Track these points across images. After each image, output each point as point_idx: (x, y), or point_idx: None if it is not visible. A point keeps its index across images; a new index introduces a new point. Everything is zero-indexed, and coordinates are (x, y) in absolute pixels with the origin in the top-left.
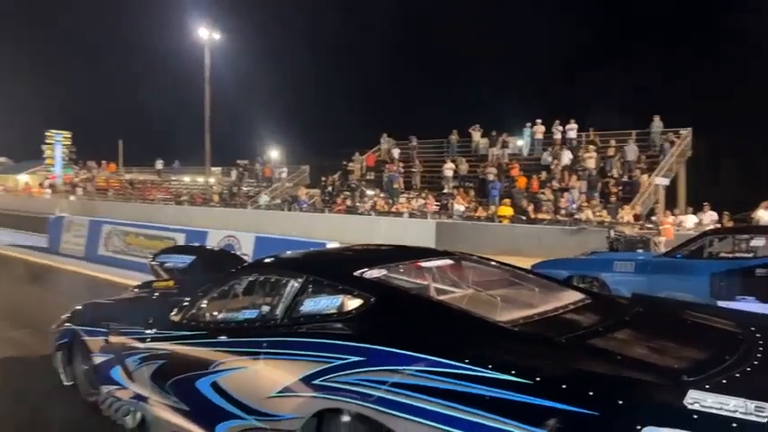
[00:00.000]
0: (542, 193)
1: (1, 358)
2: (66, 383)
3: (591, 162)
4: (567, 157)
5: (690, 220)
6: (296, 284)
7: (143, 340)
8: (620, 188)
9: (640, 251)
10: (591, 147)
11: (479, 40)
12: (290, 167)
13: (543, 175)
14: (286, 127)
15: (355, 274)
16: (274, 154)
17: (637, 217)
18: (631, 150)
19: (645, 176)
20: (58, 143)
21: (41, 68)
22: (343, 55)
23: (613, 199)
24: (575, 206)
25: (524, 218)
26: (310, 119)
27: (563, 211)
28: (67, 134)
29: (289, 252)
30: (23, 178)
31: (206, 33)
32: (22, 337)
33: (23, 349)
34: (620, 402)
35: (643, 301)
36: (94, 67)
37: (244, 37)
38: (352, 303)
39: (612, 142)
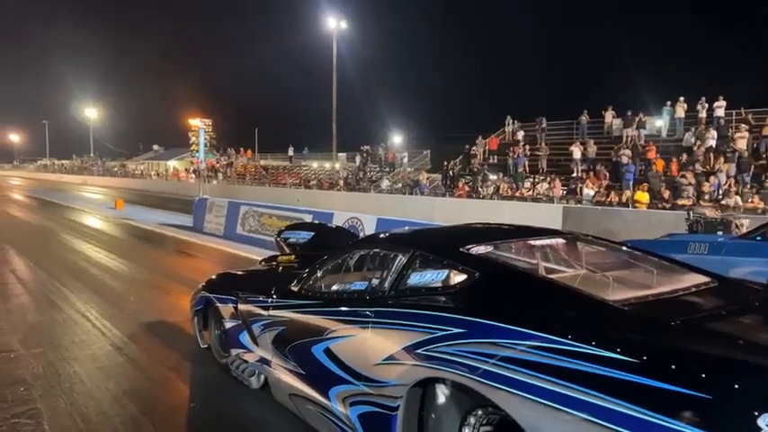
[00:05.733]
0: (683, 176)
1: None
2: (202, 346)
3: (742, 143)
4: (711, 137)
5: None
6: (403, 258)
7: (266, 308)
8: None
9: (720, 233)
10: (743, 126)
11: (610, 14)
12: (412, 152)
13: (683, 157)
14: (408, 112)
15: (461, 249)
16: (397, 139)
17: None
18: None
19: None
20: (201, 130)
21: (189, 65)
22: (466, 39)
23: None
24: (721, 191)
25: (662, 203)
26: (432, 104)
27: (707, 197)
28: (208, 122)
29: (398, 228)
30: (172, 164)
31: (334, 23)
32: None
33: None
34: (737, 387)
35: None
36: (233, 62)
37: (368, 25)
38: (457, 278)
39: None
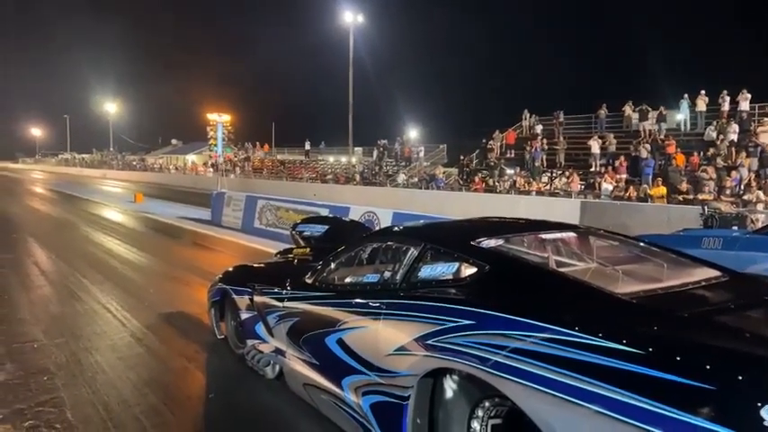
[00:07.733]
0: (704, 171)
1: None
2: (218, 337)
3: (765, 137)
4: (733, 131)
5: None
6: (414, 251)
7: (281, 300)
8: None
9: (735, 228)
10: (766, 120)
11: (629, 6)
12: (428, 146)
13: (710, 151)
14: (425, 107)
15: (472, 243)
16: (413, 134)
17: None
18: None
19: None
20: (219, 124)
21: (208, 60)
22: (483, 32)
23: None
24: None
25: (681, 198)
26: (450, 98)
27: (728, 192)
28: (227, 117)
29: (410, 222)
30: (191, 158)
31: (350, 17)
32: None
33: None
34: (741, 378)
35: None
36: (252, 57)
37: (385, 20)
38: (467, 270)
39: None
